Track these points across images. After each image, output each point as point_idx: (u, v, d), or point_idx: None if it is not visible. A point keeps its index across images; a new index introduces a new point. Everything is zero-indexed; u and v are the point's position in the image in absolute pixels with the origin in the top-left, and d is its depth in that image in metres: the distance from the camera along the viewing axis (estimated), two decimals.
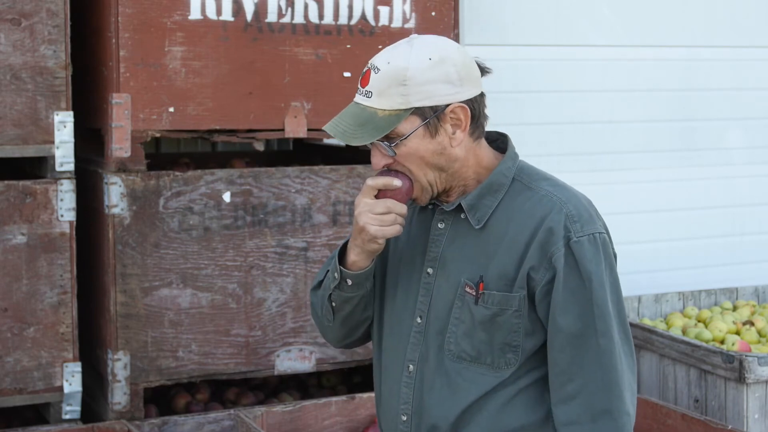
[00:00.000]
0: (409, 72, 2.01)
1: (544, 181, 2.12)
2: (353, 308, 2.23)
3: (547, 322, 2.06)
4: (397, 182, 2.06)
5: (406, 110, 2.02)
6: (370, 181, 2.08)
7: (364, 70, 2.06)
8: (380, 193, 2.08)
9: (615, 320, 2.05)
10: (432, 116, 2.04)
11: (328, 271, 2.23)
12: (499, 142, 2.20)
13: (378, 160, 2.08)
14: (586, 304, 2.02)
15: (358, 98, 2.06)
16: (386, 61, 2.03)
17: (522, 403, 2.09)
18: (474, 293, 2.08)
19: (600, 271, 2.04)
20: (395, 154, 2.05)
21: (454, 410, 2.11)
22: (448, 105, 2.04)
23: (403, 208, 2.08)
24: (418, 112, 2.03)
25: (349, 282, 2.18)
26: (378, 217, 2.07)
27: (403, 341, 2.18)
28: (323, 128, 2.09)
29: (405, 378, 2.17)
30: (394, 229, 2.09)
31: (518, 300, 2.06)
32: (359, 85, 2.06)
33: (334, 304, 2.23)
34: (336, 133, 2.04)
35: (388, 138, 2.04)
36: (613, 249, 2.11)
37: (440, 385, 2.12)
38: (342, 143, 4.20)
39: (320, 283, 2.26)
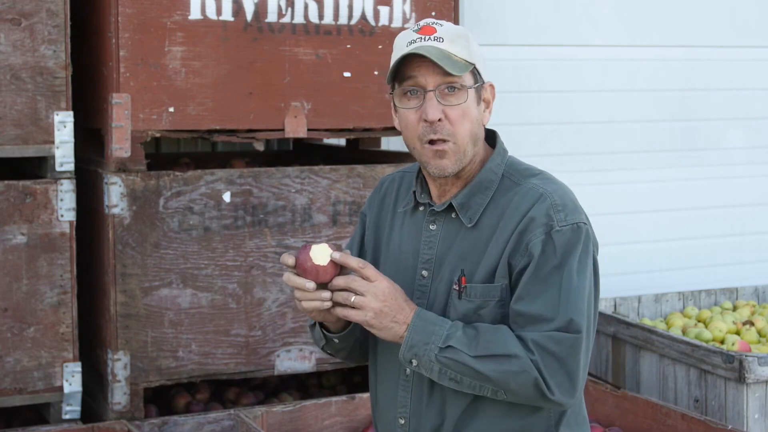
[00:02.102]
0: (468, 33, 2.09)
1: (532, 177, 2.13)
2: (351, 349, 2.26)
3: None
4: (289, 260, 2.04)
5: (469, 63, 2.06)
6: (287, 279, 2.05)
7: (421, 24, 2.07)
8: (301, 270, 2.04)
9: (585, 312, 2.04)
10: (480, 82, 2.09)
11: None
12: (488, 138, 2.20)
13: (435, 111, 2.04)
14: (557, 292, 2.01)
15: (428, 42, 2.04)
16: (441, 23, 2.08)
17: (521, 404, 2.09)
18: (457, 288, 2.08)
19: (575, 259, 2.03)
20: (465, 100, 2.04)
21: (452, 412, 2.11)
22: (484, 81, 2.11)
23: (296, 283, 2.02)
24: (473, 72, 2.07)
25: (337, 340, 2.20)
26: (295, 296, 2.06)
27: (399, 345, 2.18)
28: (412, 51, 2.02)
29: (402, 381, 2.17)
30: (310, 306, 2.04)
31: (500, 289, 2.06)
32: (418, 35, 2.05)
33: (329, 352, 2.26)
34: (432, 55, 2.01)
35: (458, 84, 2.04)
36: (594, 240, 2.11)
37: (439, 387, 2.12)
38: (342, 142, 4.22)
39: (315, 323, 2.25)
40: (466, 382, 2.03)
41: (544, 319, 2.01)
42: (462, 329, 2.04)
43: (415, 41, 2.05)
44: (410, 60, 2.04)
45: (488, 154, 2.16)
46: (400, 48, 2.07)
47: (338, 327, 2.17)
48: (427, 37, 2.04)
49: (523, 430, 2.10)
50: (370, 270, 2.02)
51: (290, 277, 2.04)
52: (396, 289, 2.04)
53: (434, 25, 2.06)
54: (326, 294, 2.03)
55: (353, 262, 2.02)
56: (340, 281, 2.02)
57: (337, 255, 2.01)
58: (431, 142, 2.06)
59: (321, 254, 2.02)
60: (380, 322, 2.02)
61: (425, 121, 2.05)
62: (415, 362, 2.05)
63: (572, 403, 2.06)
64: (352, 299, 2.01)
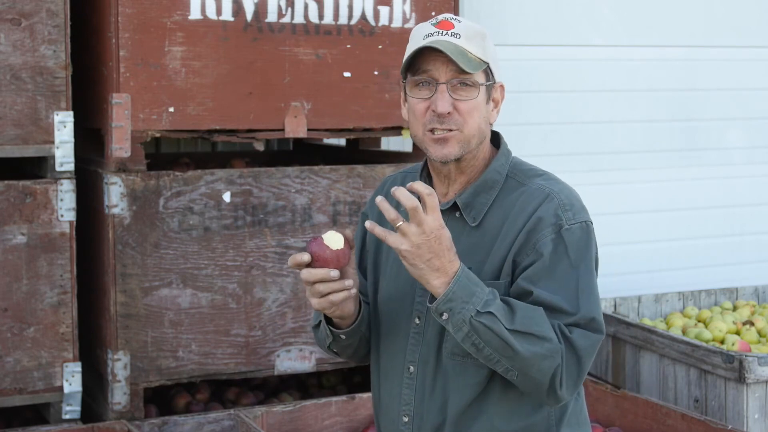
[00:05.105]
0: (486, 32, 2.10)
1: (537, 178, 2.14)
2: (356, 347, 2.25)
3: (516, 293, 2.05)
4: (305, 257, 2.01)
5: (483, 62, 2.07)
6: (304, 274, 2.03)
7: (439, 19, 2.09)
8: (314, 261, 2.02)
9: (595, 306, 2.06)
10: (492, 81, 2.11)
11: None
12: (492, 139, 2.21)
13: (445, 104, 2.05)
14: (575, 289, 2.03)
15: (445, 37, 2.05)
16: (460, 20, 2.09)
17: (525, 401, 2.10)
18: None
19: (589, 258, 2.06)
20: (476, 96, 2.06)
21: (456, 410, 2.11)
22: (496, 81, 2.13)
23: (320, 274, 2.00)
24: (486, 71, 2.09)
25: (343, 336, 2.19)
26: (308, 290, 2.04)
27: (402, 343, 2.18)
28: (429, 44, 2.03)
29: (406, 379, 2.17)
30: (338, 297, 2.02)
31: (504, 287, 2.06)
32: (436, 29, 2.07)
33: (335, 350, 2.25)
34: (448, 50, 2.02)
35: (470, 81, 2.06)
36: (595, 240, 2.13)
37: (442, 385, 2.13)
38: (342, 142, 4.22)
39: (319, 323, 2.24)
40: (486, 352, 1.99)
41: (564, 312, 2.02)
42: (499, 298, 2.01)
43: (432, 35, 2.06)
44: (426, 53, 2.06)
45: (492, 155, 2.18)
46: (417, 40, 2.08)
47: (345, 324, 2.17)
48: (444, 32, 2.06)
49: (527, 428, 2.11)
50: (433, 199, 1.95)
51: (311, 272, 2.00)
52: (444, 235, 1.97)
53: (453, 21, 2.08)
54: (349, 282, 2.02)
55: (422, 187, 1.95)
56: (410, 202, 1.93)
57: (417, 184, 1.95)
58: (433, 130, 2.07)
59: (334, 240, 2.02)
60: (412, 257, 1.96)
61: (433, 111, 2.06)
62: (445, 316, 1.99)
63: (566, 401, 2.08)
64: (399, 223, 1.95)
